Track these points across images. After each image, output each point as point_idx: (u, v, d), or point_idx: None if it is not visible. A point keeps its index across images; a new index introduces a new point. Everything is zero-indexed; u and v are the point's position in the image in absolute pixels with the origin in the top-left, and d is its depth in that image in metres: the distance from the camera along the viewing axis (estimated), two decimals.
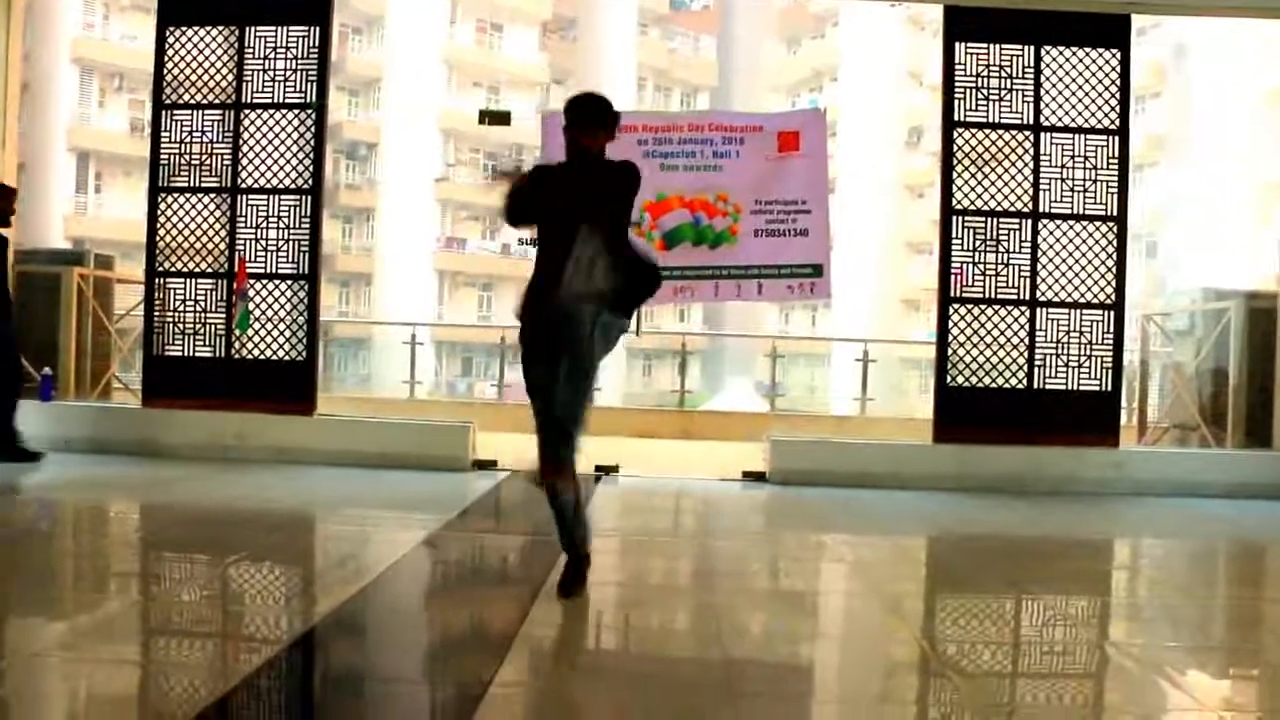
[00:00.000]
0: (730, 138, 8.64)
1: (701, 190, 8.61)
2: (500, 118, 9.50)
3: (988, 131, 8.74)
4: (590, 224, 4.42)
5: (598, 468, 8.80)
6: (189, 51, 9.07)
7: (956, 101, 8.74)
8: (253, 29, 9.00)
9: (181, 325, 9.05)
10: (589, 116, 4.54)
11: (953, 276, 8.71)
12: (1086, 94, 8.70)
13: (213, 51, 9.06)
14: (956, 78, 8.75)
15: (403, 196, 37.56)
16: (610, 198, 4.51)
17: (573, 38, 42.71)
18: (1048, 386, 8.66)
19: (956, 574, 5.82)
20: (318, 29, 8.96)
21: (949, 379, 8.71)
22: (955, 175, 8.74)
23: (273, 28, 8.98)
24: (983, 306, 8.71)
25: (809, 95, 41.47)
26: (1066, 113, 8.71)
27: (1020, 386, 8.65)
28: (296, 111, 8.96)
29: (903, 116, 39.08)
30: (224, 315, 8.97)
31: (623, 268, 4.48)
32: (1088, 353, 8.66)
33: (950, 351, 8.70)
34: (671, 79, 44.68)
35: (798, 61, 44.47)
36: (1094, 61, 8.70)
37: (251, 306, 8.89)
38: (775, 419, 11.84)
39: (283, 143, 8.95)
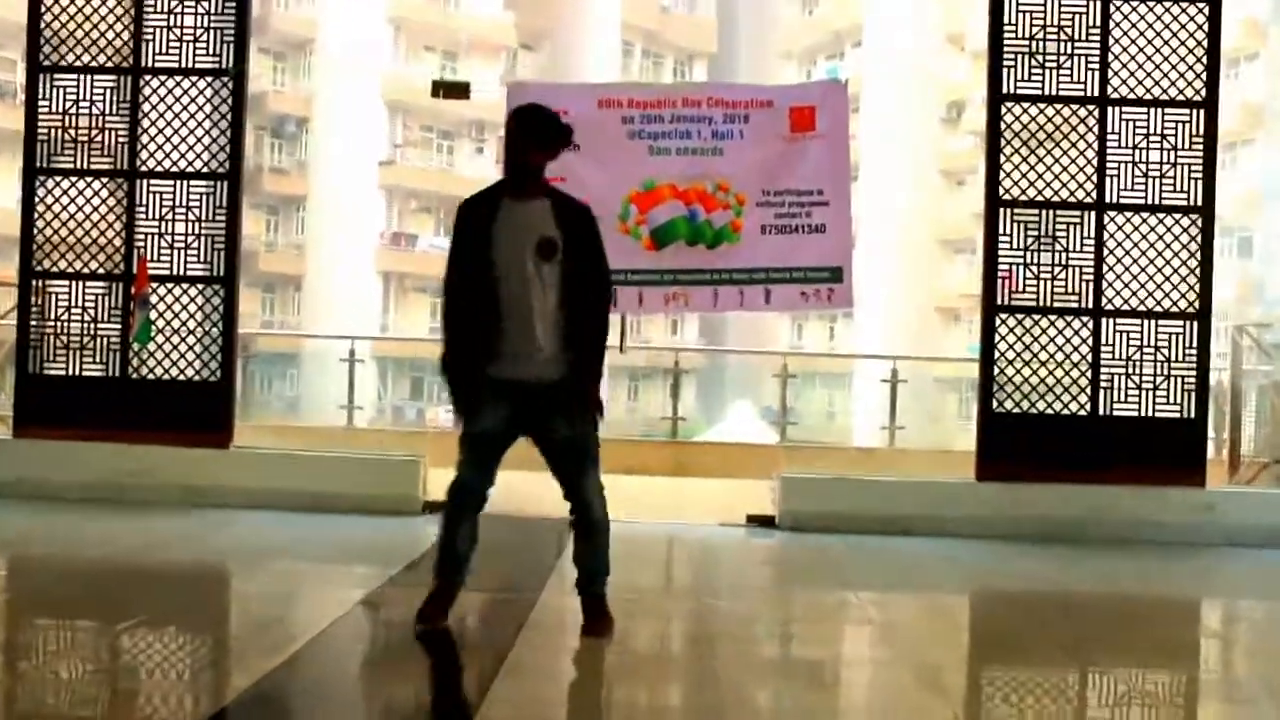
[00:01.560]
0: (733, 115, 8.59)
1: (698, 178, 8.57)
2: (457, 89, 9.51)
3: (1043, 106, 8.73)
4: (551, 265, 4.71)
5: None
6: (75, 3, 9.02)
7: (1005, 70, 8.73)
8: None
9: (65, 338, 8.95)
10: (553, 133, 4.80)
11: (1000, 281, 8.69)
12: (1166, 59, 8.69)
13: (105, 4, 9.01)
14: (1005, 41, 8.75)
15: (340, 183, 37.59)
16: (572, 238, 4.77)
17: None
18: (1116, 413, 8.64)
19: (1006, 641, 5.77)
20: None
21: (996, 404, 8.68)
22: (1003, 159, 8.72)
23: None
24: (1036, 317, 8.70)
25: (827, 63, 41.59)
26: (1140, 82, 8.69)
27: (1082, 413, 8.62)
28: (209, 79, 8.92)
29: (939, 89, 39.28)
30: (119, 326, 8.88)
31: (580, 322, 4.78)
32: (1165, 372, 8.64)
33: (997, 371, 8.67)
34: (663, 43, 44.83)
35: (814, 23, 44.70)
36: (1175, 19, 8.69)
37: (154, 315, 8.82)
38: (786, 452, 11.78)
39: (192, 116, 8.91)
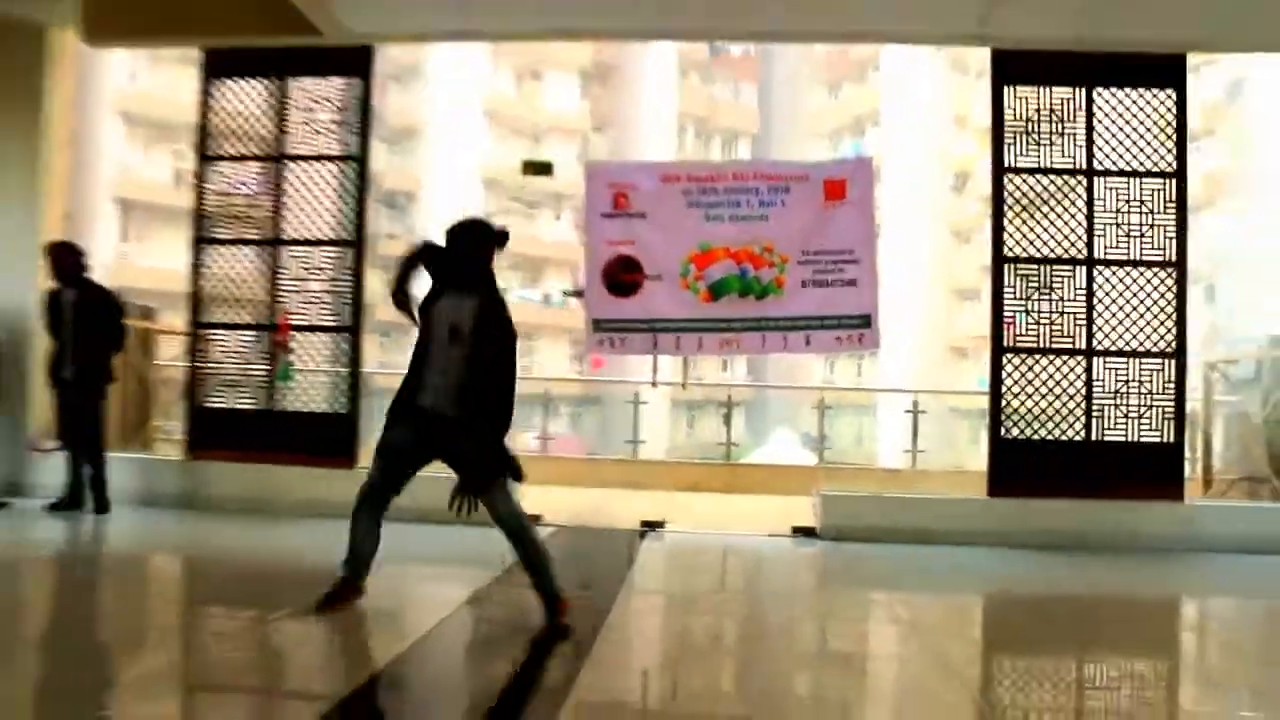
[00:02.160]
0: (776, 187, 8.61)
1: (747, 241, 8.58)
2: (543, 168, 9.58)
3: (1039, 176, 8.67)
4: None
5: (644, 523, 8.75)
6: (231, 104, 9.22)
7: (1006, 146, 8.68)
8: (294, 81, 9.14)
9: (224, 377, 9.13)
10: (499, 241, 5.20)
11: (1005, 325, 8.61)
12: (1141, 136, 8.61)
13: (255, 103, 9.21)
14: (1006, 122, 8.70)
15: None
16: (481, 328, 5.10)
17: (613, 85, 43.11)
18: (1106, 438, 8.50)
19: (1018, 635, 5.70)
20: (360, 80, 9.08)
21: (1004, 431, 8.58)
22: (1006, 222, 8.66)
23: (315, 79, 9.12)
24: (1037, 356, 8.60)
25: (850, 141, 41.56)
26: (1121, 155, 8.62)
27: (1078, 438, 8.51)
28: (339, 163, 9.06)
29: (947, 161, 39.09)
30: (266, 367, 9.04)
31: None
32: (1148, 403, 8.50)
33: (1004, 403, 8.59)
34: (712, 125, 44.97)
35: (839, 106, 44.69)
36: (1148, 102, 8.62)
37: (294, 358, 8.96)
38: (824, 472, 11.71)
39: (325, 194, 9.05)
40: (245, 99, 9.21)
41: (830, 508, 8.59)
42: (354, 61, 9.04)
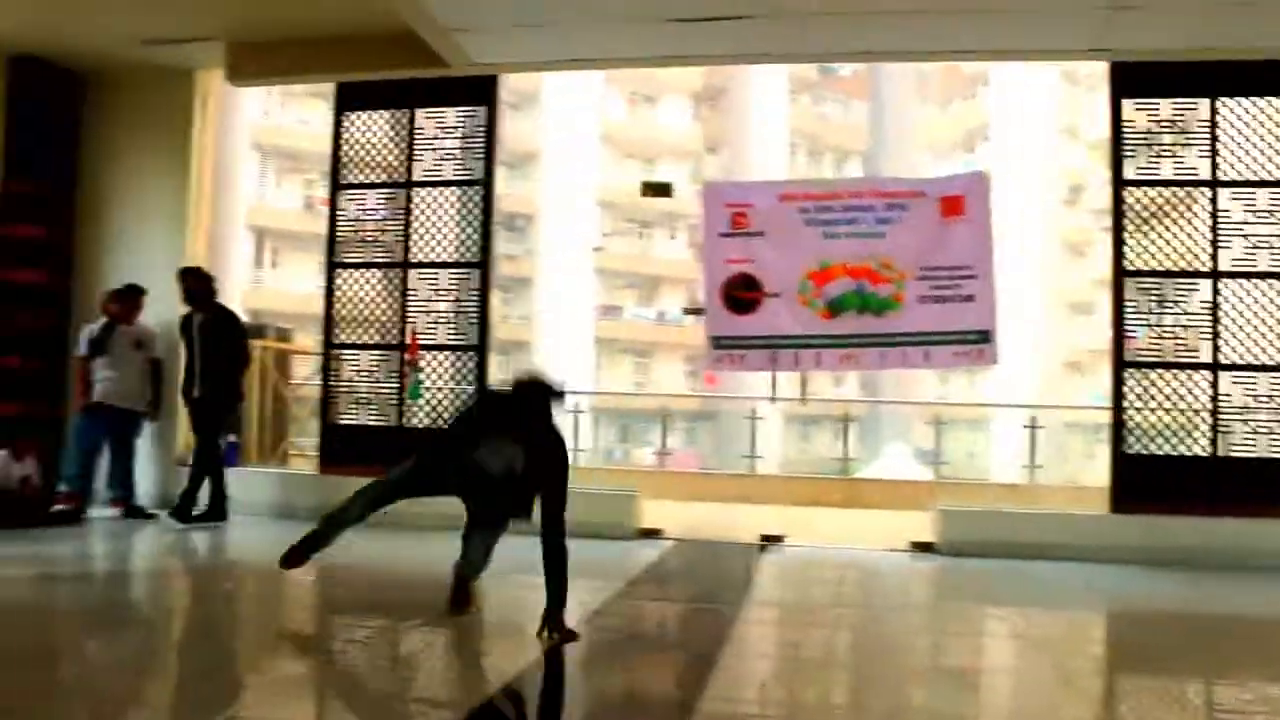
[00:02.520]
0: (893, 204, 8.53)
1: (865, 257, 8.51)
2: (662, 189, 9.66)
3: (1159, 189, 8.43)
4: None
5: (763, 537, 8.72)
6: (363, 134, 9.49)
7: (1125, 159, 8.47)
8: (423, 111, 9.36)
9: (355, 395, 9.35)
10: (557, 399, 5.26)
11: (1126, 340, 8.38)
12: (1270, 145, 8.31)
13: (385, 133, 9.45)
14: (1124, 134, 8.49)
15: (560, 266, 38.34)
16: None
17: (724, 106, 43.11)
18: (1233, 453, 8.21)
19: (1141, 654, 5.51)
20: (484, 109, 9.26)
21: (1125, 446, 8.34)
22: (1126, 235, 8.44)
23: (441, 109, 9.33)
24: (1159, 370, 8.35)
25: (961, 156, 40.85)
26: (1247, 166, 8.32)
27: (1204, 454, 8.23)
28: (464, 188, 9.23)
29: (1059, 174, 38.16)
30: (396, 385, 9.24)
31: None
32: (1278, 417, 8.18)
33: (1126, 417, 8.35)
34: (823, 144, 44.67)
35: (949, 122, 43.97)
36: (1277, 110, 8.31)
37: (423, 376, 9.14)
38: (940, 487, 11.54)
39: (451, 218, 9.22)
40: (375, 129, 9.47)
41: (949, 523, 8.45)
42: (479, 90, 9.22)
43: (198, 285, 8.86)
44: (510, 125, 40.34)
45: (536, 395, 5.22)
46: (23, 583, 6.20)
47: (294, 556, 5.60)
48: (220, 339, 8.77)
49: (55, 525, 8.23)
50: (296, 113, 37.35)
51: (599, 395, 38.73)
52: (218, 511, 8.75)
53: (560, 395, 5.26)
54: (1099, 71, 8.65)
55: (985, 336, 8.38)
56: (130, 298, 9.13)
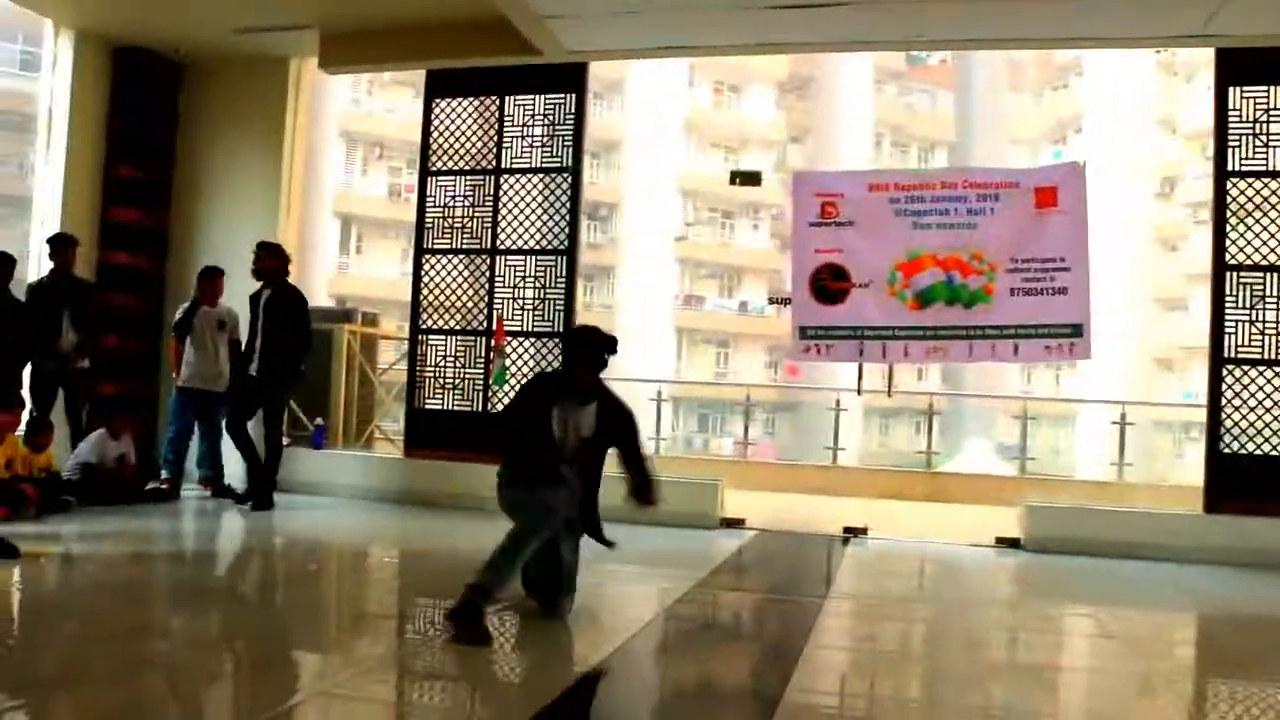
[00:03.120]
0: (985, 194, 8.39)
1: (956, 249, 8.40)
2: (752, 178, 9.59)
3: (1266, 180, 8.16)
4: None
5: (846, 529, 8.65)
6: (452, 121, 9.56)
7: (1230, 150, 8.20)
8: (512, 98, 9.40)
9: (441, 380, 9.45)
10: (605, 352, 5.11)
11: (1227, 336, 8.14)
12: None
13: (473, 120, 9.51)
14: (1230, 124, 8.22)
15: (642, 255, 38.35)
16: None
17: (809, 96, 42.73)
18: None
19: (1236, 656, 5.34)
20: (573, 96, 9.28)
21: (1222, 445, 8.10)
22: (1229, 228, 8.18)
23: (531, 96, 9.36)
24: (1261, 368, 8.09)
25: (1052, 147, 40.04)
26: None
27: None
28: (552, 175, 9.27)
29: (1154, 166, 37.22)
30: (482, 371, 9.32)
31: None
32: None
33: (1224, 416, 8.11)
34: (908, 134, 44.05)
35: (1040, 112, 43.07)
36: None
37: (508, 363, 9.20)
38: (1026, 483, 11.32)
39: (538, 205, 9.26)
40: (464, 116, 9.53)
41: (1036, 519, 8.30)
42: (568, 78, 9.24)
43: (269, 261, 8.52)
44: (594, 113, 40.57)
45: (586, 346, 5.07)
46: (117, 559, 6.36)
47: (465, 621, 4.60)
48: (285, 318, 8.41)
49: (149, 502, 8.42)
50: (383, 101, 37.84)
51: (679, 384, 38.78)
52: (262, 498, 8.42)
53: (612, 345, 5.11)
54: (1199, 60, 8.41)
55: (1078, 330, 8.21)
56: (209, 279, 9.12)
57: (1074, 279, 8.20)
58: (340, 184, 37.92)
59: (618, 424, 5.09)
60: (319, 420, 10.24)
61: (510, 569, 4.77)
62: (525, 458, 5.06)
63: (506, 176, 9.38)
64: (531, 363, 9.20)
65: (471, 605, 4.53)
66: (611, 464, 5.18)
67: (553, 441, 5.02)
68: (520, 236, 9.31)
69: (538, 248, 9.26)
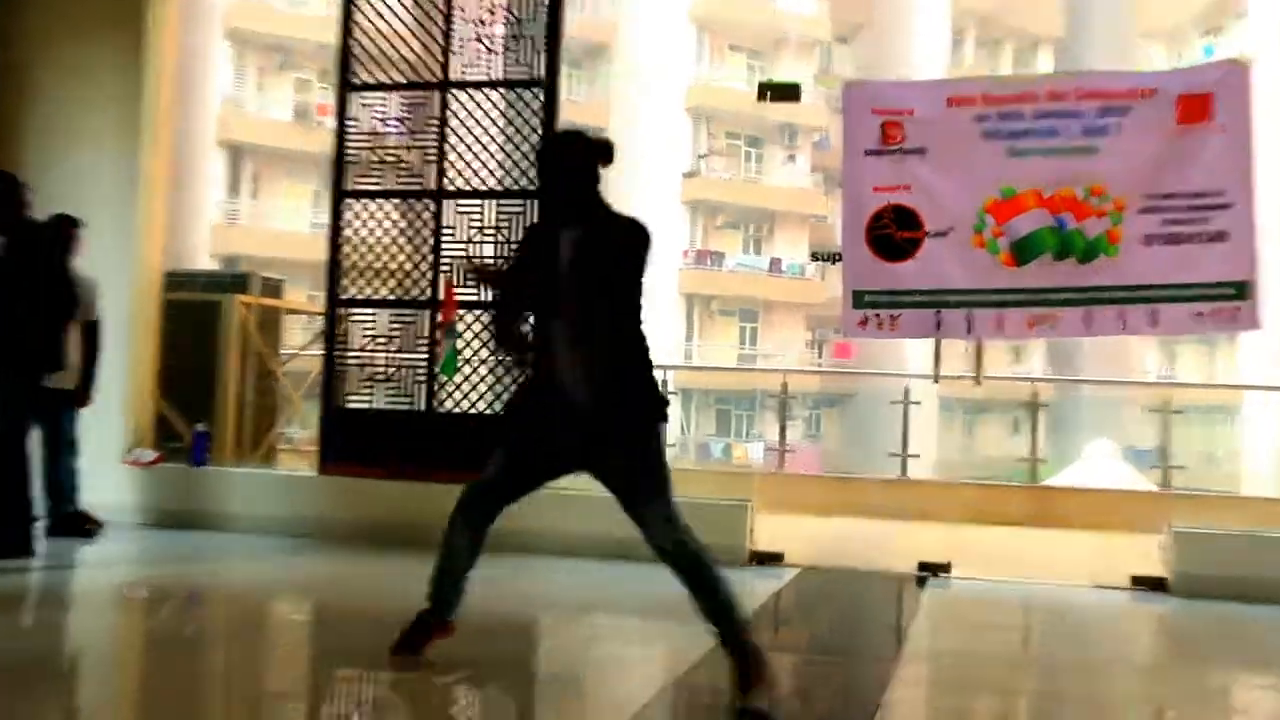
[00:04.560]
0: (1109, 108, 8.35)
1: (1067, 182, 8.37)
2: (788, 92, 9.50)
3: None
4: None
5: (922, 565, 8.62)
6: (381, 16, 9.50)
7: None
8: None
9: (370, 369, 9.40)
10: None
11: None
12: None
13: (412, 15, 9.45)
14: None
15: (640, 199, 38.30)
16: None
17: None
18: None
19: None
20: None
21: None
22: None
23: None
24: None
25: (1202, 42, 39.89)
26: None
27: None
28: (519, 91, 9.21)
29: None
30: (425, 357, 9.28)
31: None
32: None
33: None
34: (1001, 28, 44.01)
35: None
36: None
37: (461, 345, 9.15)
38: (1172, 501, 11.31)
39: (501, 131, 9.21)
40: (397, 9, 9.46)
41: (1187, 551, 8.26)
42: None
43: None
44: (574, 6, 40.50)
45: (568, 154, 5.01)
46: None
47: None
48: (20, 274, 7.59)
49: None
50: None
51: (690, 371, 38.64)
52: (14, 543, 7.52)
53: (604, 150, 5.03)
54: None
55: (1241, 290, 8.18)
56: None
57: (1235, 220, 8.15)
58: (228, 103, 37.84)
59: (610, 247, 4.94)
60: (199, 426, 10.18)
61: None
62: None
63: (457, 92, 9.33)
64: (493, 345, 9.15)
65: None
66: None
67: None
68: (476, 174, 9.27)
69: (499, 188, 9.22)
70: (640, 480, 4.81)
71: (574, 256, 4.87)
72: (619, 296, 4.88)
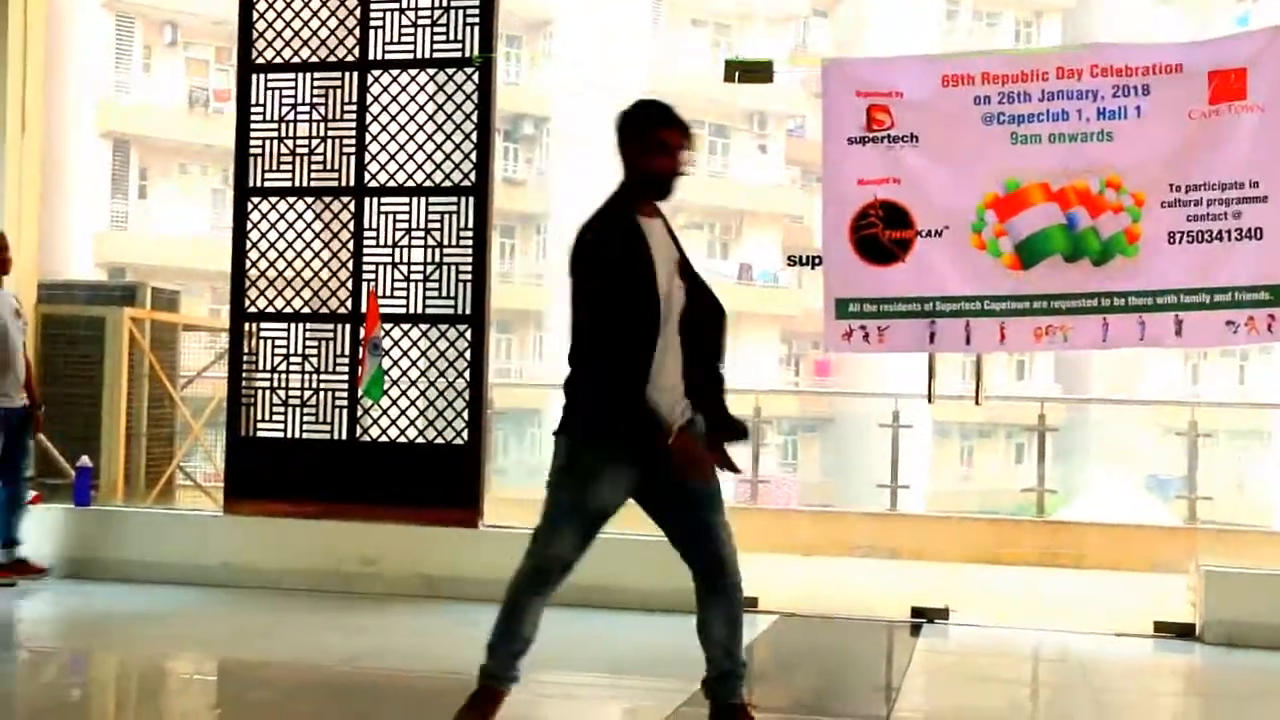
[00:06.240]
0: (1127, 86, 8.38)
1: (1080, 173, 8.38)
2: (758, 70, 9.50)
3: None
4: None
5: (916, 611, 8.67)
6: None
7: None
8: None
9: (283, 392, 9.39)
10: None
11: None
12: None
13: None
14: None
15: (587, 196, 38.20)
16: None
17: None
18: None
19: None
20: None
21: None
22: None
23: None
24: None
25: (1236, 9, 40.20)
26: None
27: None
28: (449, 71, 9.24)
29: None
30: (346, 377, 9.27)
31: None
32: None
33: None
34: (999, 1, 44.31)
35: None
36: None
37: (387, 363, 9.15)
38: (1200, 536, 11.39)
39: (430, 119, 9.23)
40: None
41: (1218, 593, 8.32)
42: None
43: None
44: None
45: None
46: None
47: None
48: None
49: None
50: None
51: None
52: None
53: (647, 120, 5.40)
54: None
55: (1279, 295, 8.23)
56: None
57: (1274, 215, 8.13)
58: (111, 87, 37.56)
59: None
60: (83, 460, 10.12)
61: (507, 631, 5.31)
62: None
63: (378, 73, 9.35)
64: (424, 363, 9.15)
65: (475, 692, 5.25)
66: None
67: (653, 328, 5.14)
68: (401, 168, 9.29)
69: (428, 184, 9.24)
70: None
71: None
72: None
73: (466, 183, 9.19)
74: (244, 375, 9.48)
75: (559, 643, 6.72)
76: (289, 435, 9.38)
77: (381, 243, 9.29)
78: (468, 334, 9.12)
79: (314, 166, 9.43)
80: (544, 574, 5.31)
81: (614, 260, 5.14)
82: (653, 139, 5.30)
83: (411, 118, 9.29)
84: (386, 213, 9.29)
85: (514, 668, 5.31)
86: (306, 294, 9.43)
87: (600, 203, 5.34)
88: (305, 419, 9.37)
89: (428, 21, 9.30)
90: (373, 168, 9.32)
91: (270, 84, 9.53)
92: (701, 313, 5.36)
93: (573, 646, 7.00)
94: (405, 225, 9.27)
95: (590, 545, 5.37)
